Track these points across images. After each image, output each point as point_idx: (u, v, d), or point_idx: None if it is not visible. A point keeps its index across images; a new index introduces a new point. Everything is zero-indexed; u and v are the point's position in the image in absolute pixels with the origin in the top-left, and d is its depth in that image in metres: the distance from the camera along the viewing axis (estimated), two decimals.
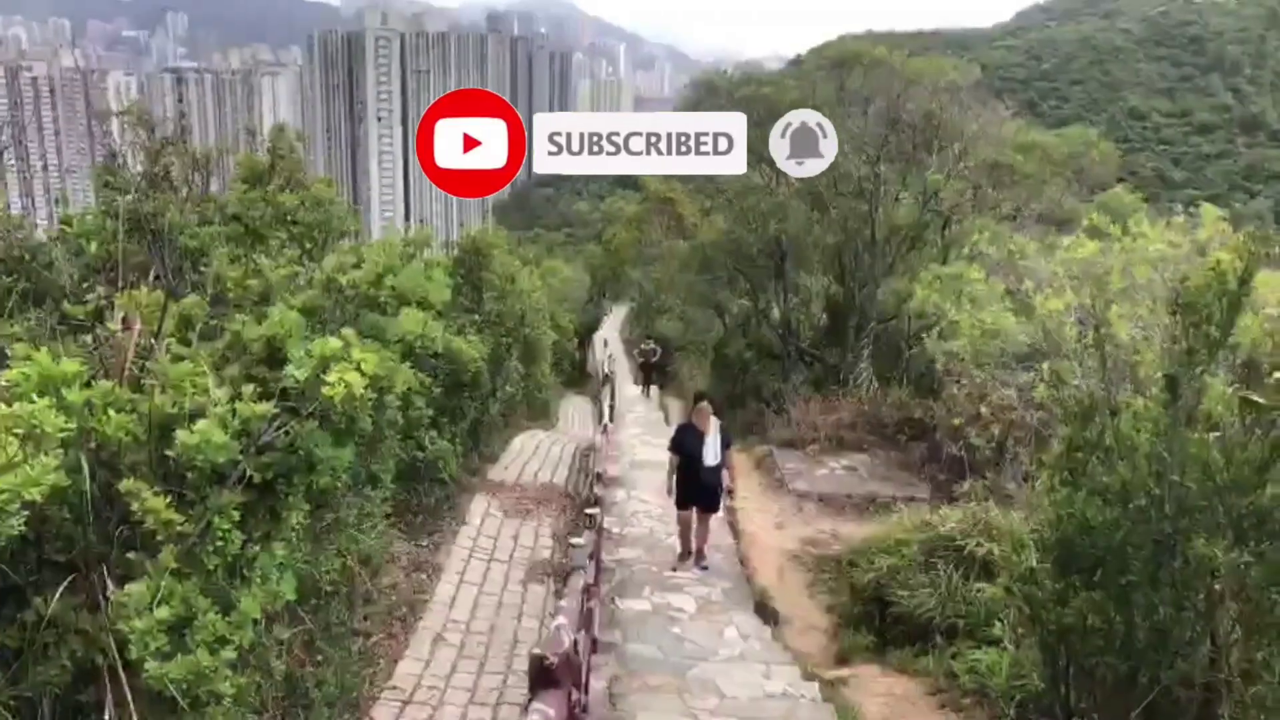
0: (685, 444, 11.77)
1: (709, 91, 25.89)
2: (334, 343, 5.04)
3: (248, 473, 4.98)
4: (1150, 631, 5.25)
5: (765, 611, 11.74)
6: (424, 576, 11.43)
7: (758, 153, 23.19)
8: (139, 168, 7.75)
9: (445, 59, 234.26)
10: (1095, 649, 5.44)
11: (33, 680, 4.65)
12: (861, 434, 18.61)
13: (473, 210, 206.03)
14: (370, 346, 5.31)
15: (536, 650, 2.27)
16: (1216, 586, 5.19)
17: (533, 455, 18.48)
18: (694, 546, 12.19)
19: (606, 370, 29.85)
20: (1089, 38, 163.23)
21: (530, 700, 2.40)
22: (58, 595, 4.62)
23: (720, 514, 12.63)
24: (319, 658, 7.85)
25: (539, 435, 21.45)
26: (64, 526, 4.77)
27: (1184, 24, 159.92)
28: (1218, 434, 5.25)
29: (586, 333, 45.35)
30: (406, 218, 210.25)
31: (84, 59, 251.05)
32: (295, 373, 5.01)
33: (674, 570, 12.04)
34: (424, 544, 12.33)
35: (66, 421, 4.09)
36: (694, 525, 12.05)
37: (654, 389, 30.75)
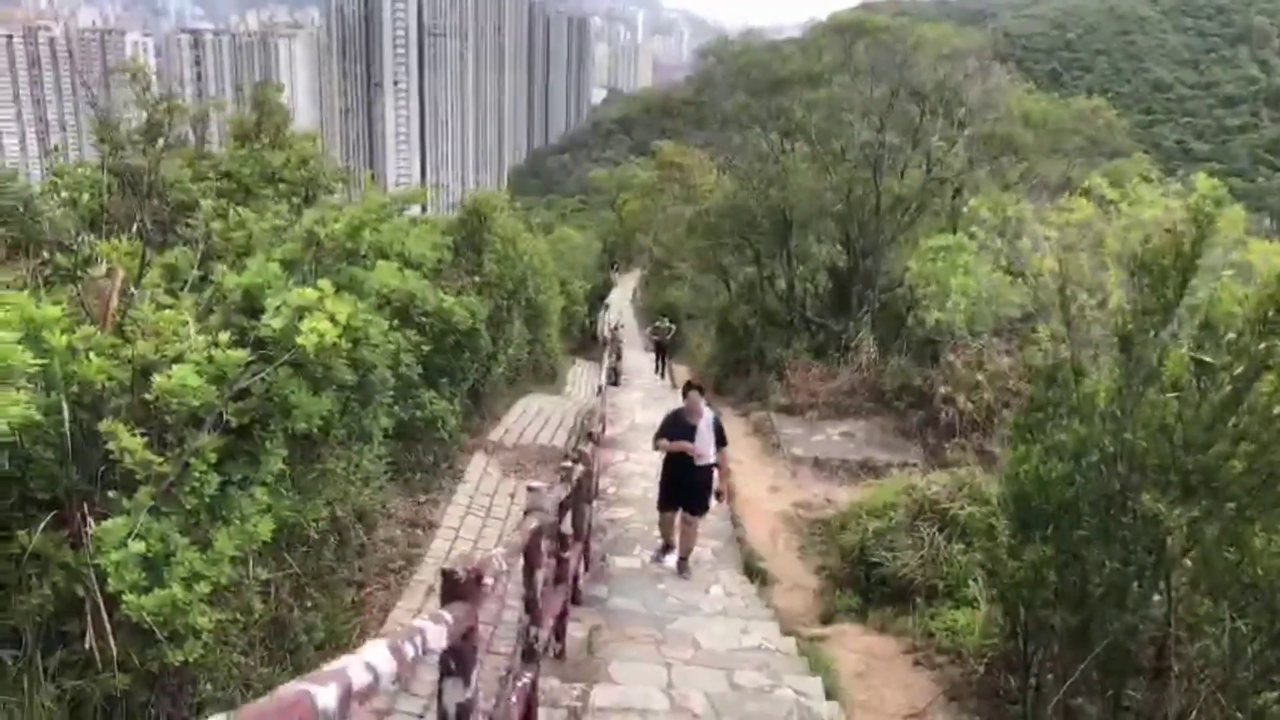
0: (672, 437, 10.42)
1: (716, 60, 25.75)
2: (309, 293, 5.19)
3: (225, 417, 5.16)
4: (1101, 585, 5.38)
5: (753, 571, 11.94)
6: (420, 531, 11.63)
7: (761, 120, 23.12)
8: (134, 124, 7.88)
9: (462, 23, 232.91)
10: (1048, 602, 5.58)
11: (16, 610, 4.86)
12: (860, 401, 18.72)
13: (489, 176, 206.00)
14: (346, 298, 5.46)
15: (447, 566, 2.43)
16: (1169, 542, 5.31)
17: (535, 417, 18.63)
18: (676, 544, 11.03)
19: (609, 333, 29.94)
20: (1114, 7, 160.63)
21: None
22: (40, 529, 4.82)
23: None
24: (309, 604, 8.06)
25: (543, 399, 21.60)
26: (47, 465, 4.96)
27: None
28: (1176, 394, 5.35)
29: (598, 299, 45.42)
30: (423, 181, 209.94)
31: (101, 19, 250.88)
32: (271, 322, 5.17)
33: (656, 562, 11.07)
34: (421, 500, 12.53)
35: (36, 359, 4.24)
36: (677, 525, 10.84)
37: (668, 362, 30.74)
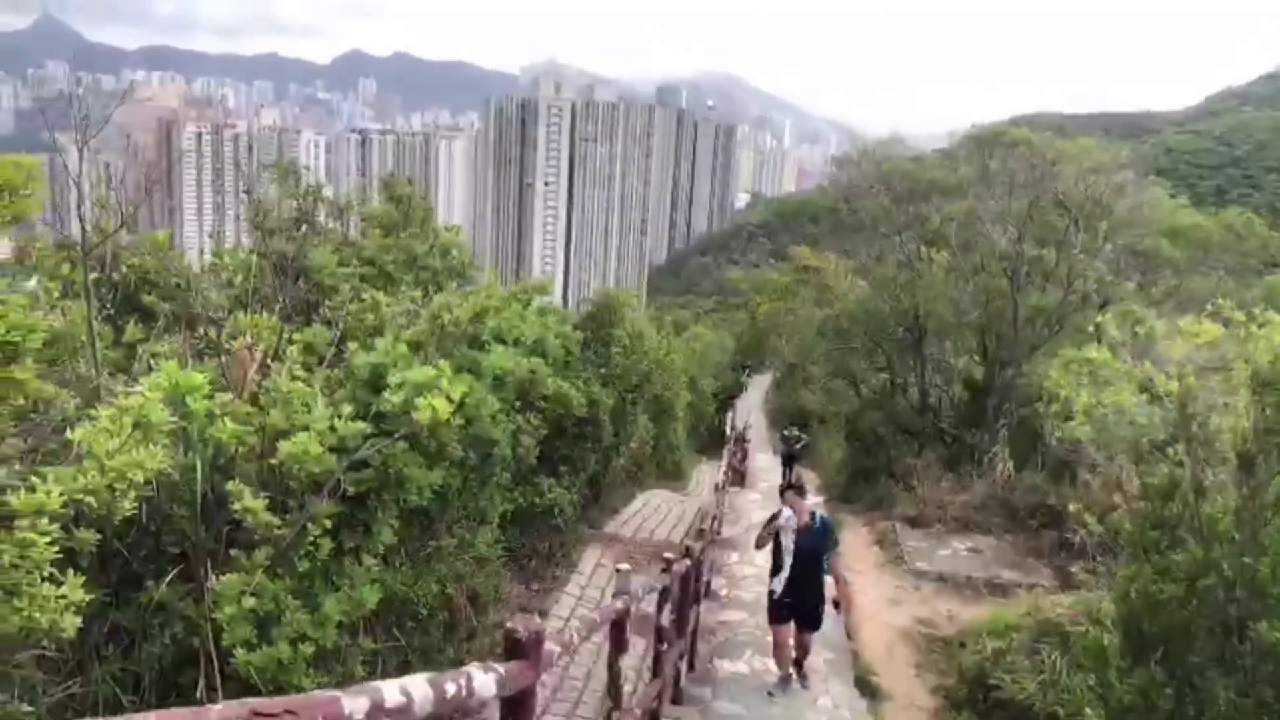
0: (779, 547, 10.03)
1: (854, 164, 26.03)
2: (428, 371, 5.49)
3: (343, 485, 5.46)
4: (1219, 718, 5.09)
5: (865, 685, 11.57)
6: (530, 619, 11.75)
7: (899, 226, 23.10)
8: (288, 214, 8.56)
9: (612, 129, 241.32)
10: None
11: (140, 658, 5.20)
12: (990, 516, 18.07)
13: (629, 274, 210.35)
14: (464, 378, 5.75)
15: (509, 624, 2.54)
16: None
17: (654, 513, 18.69)
18: (793, 673, 10.48)
19: (735, 432, 29.85)
20: None
21: None
22: (166, 581, 5.17)
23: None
24: None
25: (665, 495, 21.65)
26: (180, 522, 5.34)
27: None
28: None
29: (728, 399, 45.46)
30: (566, 278, 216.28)
31: (280, 119, 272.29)
32: (391, 397, 5.49)
33: (771, 696, 10.28)
34: (534, 588, 12.68)
35: (179, 420, 4.62)
36: (791, 642, 10.26)
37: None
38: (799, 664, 10.46)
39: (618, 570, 5.16)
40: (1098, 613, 9.32)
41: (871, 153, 26.27)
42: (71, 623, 3.69)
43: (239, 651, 4.96)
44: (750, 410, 43.44)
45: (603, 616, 4.18)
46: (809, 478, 29.14)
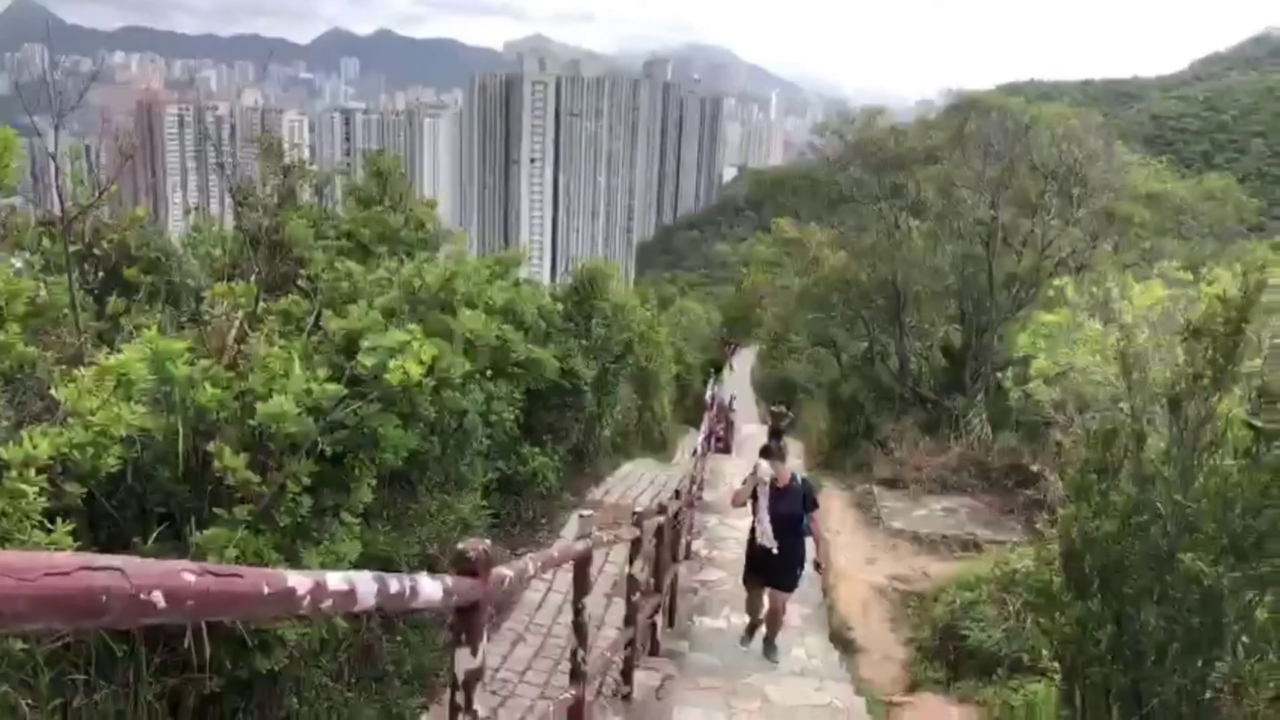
0: (755, 503, 9.71)
1: (834, 135, 26.19)
2: (400, 335, 5.74)
3: (320, 445, 5.71)
4: (1151, 646, 5.40)
5: (840, 639, 11.94)
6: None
7: (876, 195, 23.29)
8: (268, 189, 8.75)
9: (598, 104, 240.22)
10: (1098, 660, 5.60)
11: None
12: (966, 477, 18.45)
13: (618, 250, 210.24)
14: (437, 342, 5.99)
15: (460, 546, 2.80)
16: (1223, 606, 5.30)
17: (638, 481, 18.97)
18: (762, 623, 10.29)
19: (719, 399, 30.12)
20: (1273, 88, 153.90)
21: None
22: (153, 538, 5.42)
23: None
24: (398, 638, 8.53)
25: (649, 464, 21.93)
26: (164, 483, 5.58)
27: None
28: (1233, 460, 5.38)
29: (715, 371, 45.77)
30: (554, 255, 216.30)
31: (263, 99, 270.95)
32: (364, 360, 5.73)
33: (741, 644, 10.37)
34: (519, 553, 12.97)
35: (161, 385, 4.85)
36: (764, 603, 10.09)
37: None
38: (770, 638, 10.30)
39: (580, 516, 5.43)
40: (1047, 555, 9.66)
41: (852, 123, 26.45)
42: None
43: None
44: (736, 384, 43.79)
45: (561, 553, 4.45)
46: (794, 448, 29.60)
